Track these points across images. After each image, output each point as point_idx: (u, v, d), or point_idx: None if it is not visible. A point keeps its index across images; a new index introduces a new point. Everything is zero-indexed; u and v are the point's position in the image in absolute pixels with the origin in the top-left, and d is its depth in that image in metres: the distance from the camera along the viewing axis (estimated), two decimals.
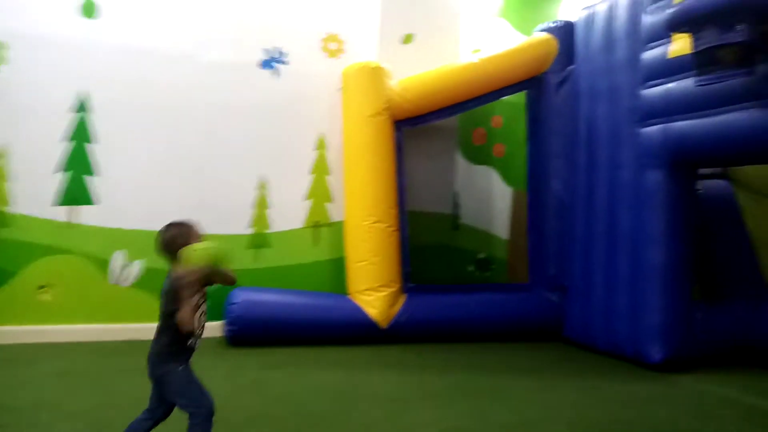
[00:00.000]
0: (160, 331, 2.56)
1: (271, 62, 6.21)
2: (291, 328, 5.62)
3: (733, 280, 5.64)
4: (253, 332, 5.50)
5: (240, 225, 6.09)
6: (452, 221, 7.23)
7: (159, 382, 2.57)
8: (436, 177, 7.09)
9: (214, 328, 5.90)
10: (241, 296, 5.53)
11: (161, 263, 2.69)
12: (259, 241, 6.16)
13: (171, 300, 2.47)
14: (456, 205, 7.25)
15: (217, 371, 4.54)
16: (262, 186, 6.18)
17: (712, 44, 4.06)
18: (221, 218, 5.91)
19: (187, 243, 2.53)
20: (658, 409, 4.00)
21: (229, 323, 5.48)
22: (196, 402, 2.51)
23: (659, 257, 5.05)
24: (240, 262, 6.02)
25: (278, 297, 5.76)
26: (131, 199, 5.67)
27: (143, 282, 5.67)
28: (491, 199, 7.40)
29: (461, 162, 7.23)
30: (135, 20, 5.74)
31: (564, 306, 6.15)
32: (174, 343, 2.53)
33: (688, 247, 5.12)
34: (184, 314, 2.41)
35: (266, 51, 6.19)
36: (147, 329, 2.86)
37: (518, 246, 7.25)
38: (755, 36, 3.99)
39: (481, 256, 7.35)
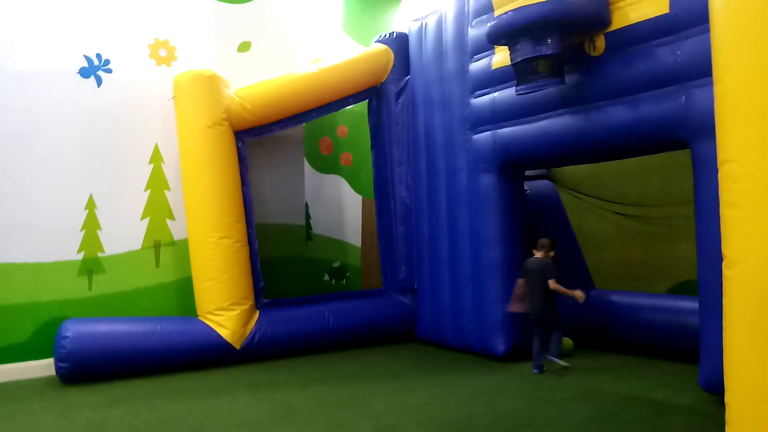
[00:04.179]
0: (544, 293, 4.92)
1: (91, 70, 5.72)
2: (133, 359, 5.18)
3: (560, 271, 6.16)
4: (89, 368, 4.99)
5: (67, 250, 5.52)
6: (305, 232, 7.17)
7: (545, 317, 4.96)
8: (285, 188, 6.98)
9: (42, 367, 5.29)
10: (73, 329, 4.99)
11: None
12: (90, 266, 5.62)
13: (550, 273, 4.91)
14: (308, 216, 7.19)
15: (47, 414, 4.07)
16: (91, 204, 5.67)
17: (528, 56, 4.41)
18: (42, 243, 5.36)
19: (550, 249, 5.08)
20: (503, 398, 4.25)
21: (60, 360, 4.91)
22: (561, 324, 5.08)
23: (496, 254, 5.40)
24: (70, 291, 5.46)
25: (116, 326, 5.27)
26: None
27: None
28: (342, 207, 7.45)
29: (310, 172, 7.19)
30: None
31: (415, 307, 6.35)
32: (552, 297, 4.97)
33: (521, 243, 5.53)
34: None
35: (86, 58, 5.70)
36: None
37: (371, 252, 7.39)
38: (564, 48, 4.42)
39: (336, 264, 7.37)
